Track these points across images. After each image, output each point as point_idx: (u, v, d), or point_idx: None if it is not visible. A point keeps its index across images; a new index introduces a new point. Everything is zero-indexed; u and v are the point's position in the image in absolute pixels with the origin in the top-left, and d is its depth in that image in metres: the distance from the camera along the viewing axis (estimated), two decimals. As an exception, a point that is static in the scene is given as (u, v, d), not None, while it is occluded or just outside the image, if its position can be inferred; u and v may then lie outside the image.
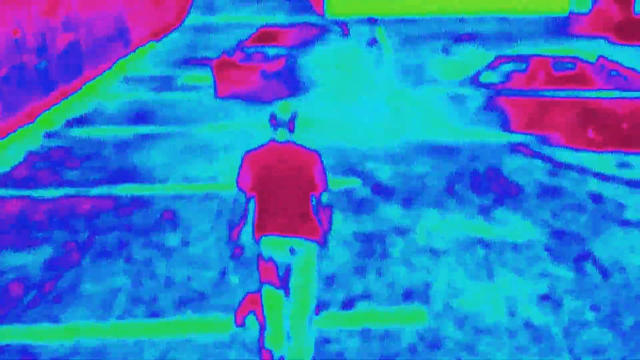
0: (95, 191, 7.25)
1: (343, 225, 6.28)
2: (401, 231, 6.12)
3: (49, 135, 9.47)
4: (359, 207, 6.69)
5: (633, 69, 11.77)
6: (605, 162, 7.77)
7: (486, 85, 9.87)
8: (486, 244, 5.82)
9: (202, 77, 13.31)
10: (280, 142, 3.76)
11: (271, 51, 11.15)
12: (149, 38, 17.74)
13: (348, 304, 4.92)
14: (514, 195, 6.87)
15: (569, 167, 7.53)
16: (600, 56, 10.02)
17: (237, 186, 3.79)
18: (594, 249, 5.69)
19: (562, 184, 7.17)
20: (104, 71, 13.89)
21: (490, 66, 9.98)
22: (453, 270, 5.38)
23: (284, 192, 3.74)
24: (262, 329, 4.63)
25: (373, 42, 12.14)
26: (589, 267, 5.40)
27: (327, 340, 4.47)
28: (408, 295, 5.02)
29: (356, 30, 18.18)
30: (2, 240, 6.10)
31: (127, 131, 9.56)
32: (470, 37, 16.38)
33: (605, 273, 5.29)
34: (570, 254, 5.62)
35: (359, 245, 5.87)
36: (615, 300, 4.90)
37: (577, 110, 9.67)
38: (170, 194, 7.13)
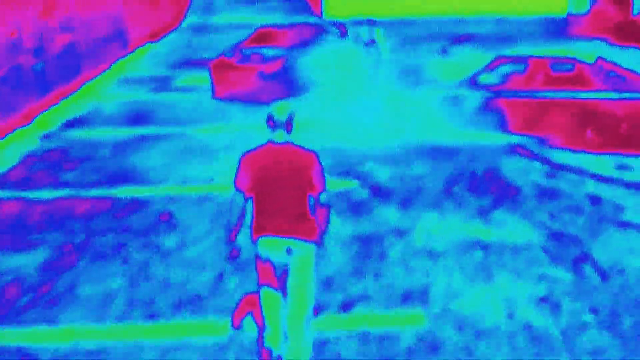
0: (92, 193, 7.23)
1: (341, 226, 6.26)
2: (399, 233, 6.10)
3: (46, 136, 9.45)
4: (357, 208, 6.68)
5: (631, 70, 11.78)
6: (603, 163, 7.76)
7: (485, 86, 9.87)
8: (484, 246, 5.81)
9: (200, 78, 13.29)
10: (278, 143, 3.75)
11: (269, 52, 11.13)
12: (147, 39, 17.72)
13: (346, 306, 4.90)
14: (512, 197, 6.86)
15: (567, 168, 7.52)
16: (599, 57, 10.02)
17: (235, 187, 3.78)
18: (593, 251, 5.68)
19: (560, 185, 7.16)
20: (102, 72, 13.87)
21: (489, 67, 9.97)
22: (451, 272, 5.36)
23: (282, 192, 3.73)
24: (261, 330, 4.62)
25: (371, 43, 12.14)
26: (587, 269, 5.39)
27: (325, 343, 4.46)
28: (406, 298, 5.00)
29: (354, 31, 18.17)
30: (-1, 241, 6.08)
31: (125, 132, 9.54)
32: (469, 38, 16.38)
33: (603, 275, 5.28)
34: (568, 256, 5.61)
35: (357, 247, 5.85)
36: (614, 302, 4.89)
37: (576, 111, 9.67)
38: (167, 196, 7.11)
